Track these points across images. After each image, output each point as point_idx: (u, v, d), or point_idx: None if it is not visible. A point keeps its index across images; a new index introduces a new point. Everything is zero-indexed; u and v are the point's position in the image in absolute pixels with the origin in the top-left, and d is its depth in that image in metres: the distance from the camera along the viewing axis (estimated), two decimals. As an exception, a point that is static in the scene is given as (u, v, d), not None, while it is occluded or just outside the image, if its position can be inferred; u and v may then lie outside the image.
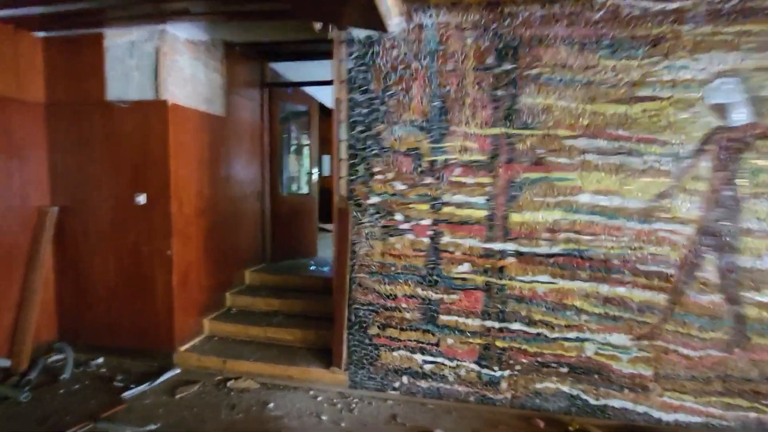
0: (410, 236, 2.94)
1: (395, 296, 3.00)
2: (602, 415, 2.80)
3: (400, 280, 2.98)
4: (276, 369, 3.26)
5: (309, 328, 3.61)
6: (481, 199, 2.83)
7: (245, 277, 4.48)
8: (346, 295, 3.06)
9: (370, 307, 3.05)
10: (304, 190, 5.84)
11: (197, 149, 3.65)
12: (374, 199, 2.99)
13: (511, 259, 2.82)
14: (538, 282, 2.80)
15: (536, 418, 2.82)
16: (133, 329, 3.51)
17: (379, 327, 3.04)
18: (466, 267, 2.88)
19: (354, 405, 2.96)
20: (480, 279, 2.87)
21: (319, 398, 3.03)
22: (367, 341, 3.07)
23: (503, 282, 2.84)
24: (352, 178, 3.05)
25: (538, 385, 2.87)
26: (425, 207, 2.91)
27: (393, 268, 2.99)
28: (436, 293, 2.94)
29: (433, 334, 2.96)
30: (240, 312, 4.04)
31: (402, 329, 3.00)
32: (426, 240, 2.92)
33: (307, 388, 3.18)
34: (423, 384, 3.02)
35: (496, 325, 2.87)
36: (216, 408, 2.89)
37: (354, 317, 3.08)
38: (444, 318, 2.94)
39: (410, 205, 2.93)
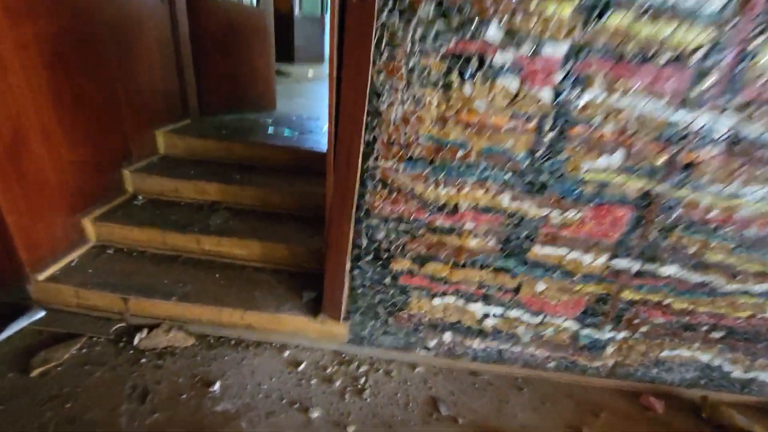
0: (510, 81, 1.29)
1: (455, 208, 1.52)
2: (742, 389, 1.85)
3: (471, 178, 1.46)
4: (222, 313, 1.88)
5: (275, 237, 2.14)
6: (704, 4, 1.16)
7: (157, 142, 2.69)
8: (354, 200, 1.52)
9: (402, 225, 1.57)
10: (250, -1, 3.57)
11: None
12: (435, -15, 1.21)
13: (715, 150, 1.35)
14: (746, 199, 1.42)
15: (647, 394, 1.82)
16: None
17: (414, 259, 1.63)
18: (615, 158, 1.39)
19: (363, 378, 1.75)
20: (635, 185, 1.43)
21: (302, 366, 1.78)
22: (388, 280, 1.69)
23: (679, 193, 1.43)
24: None
25: (665, 353, 1.78)
26: (564, 8, 1.20)
27: (459, 153, 1.42)
28: (540, 206, 1.49)
29: (513, 276, 1.63)
30: (152, 204, 2.40)
31: (457, 265, 1.62)
32: (545, 93, 1.30)
33: (280, 345, 1.89)
34: (476, 344, 1.83)
35: (635, 266, 1.57)
36: (108, 398, 1.55)
37: (367, 240, 1.62)
38: (540, 251, 1.57)
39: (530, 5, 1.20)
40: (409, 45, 1.26)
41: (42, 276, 1.91)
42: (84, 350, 1.74)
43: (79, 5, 1.94)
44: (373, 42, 1.25)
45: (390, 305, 1.75)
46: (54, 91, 1.85)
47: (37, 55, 1.74)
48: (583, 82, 1.27)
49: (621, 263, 1.57)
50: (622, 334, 1.74)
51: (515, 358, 1.85)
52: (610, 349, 1.79)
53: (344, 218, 1.55)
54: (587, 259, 1.56)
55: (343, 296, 1.72)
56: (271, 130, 3.07)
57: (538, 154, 1.39)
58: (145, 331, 1.82)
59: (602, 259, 1.56)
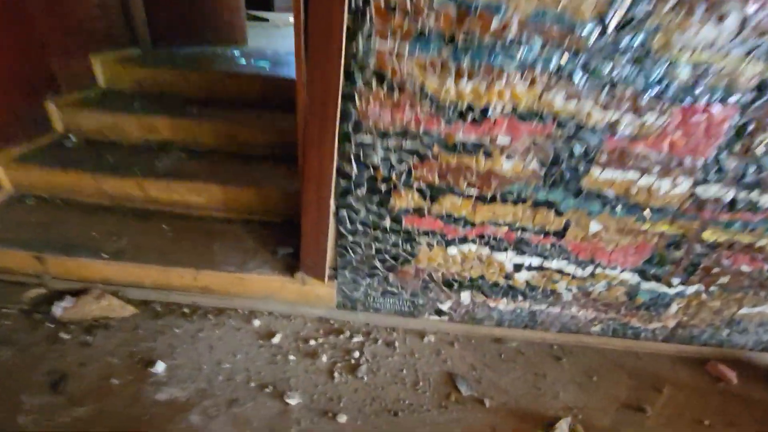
0: None
1: (483, 113, 1.06)
2: (831, 352, 1.48)
3: (508, 64, 0.99)
4: (170, 273, 1.43)
5: (242, 179, 1.68)
6: None
7: (95, 72, 2.15)
8: (337, 104, 1.04)
9: (406, 142, 1.11)
10: None
11: None
12: None
13: None
14: None
15: (714, 361, 1.45)
16: None
17: (423, 192, 1.18)
18: (727, 27, 0.93)
19: (357, 352, 1.35)
20: (750, 70, 0.97)
21: (276, 338, 1.36)
22: (387, 223, 1.25)
23: (815, 78, 0.98)
24: None
25: (744, 311, 1.39)
26: None
27: (493, 23, 0.95)
28: (607, 108, 1.03)
29: (559, 213, 1.20)
30: (87, 145, 1.90)
31: (483, 200, 1.18)
32: None
33: (248, 312, 1.46)
34: (502, 305, 1.42)
35: (727, 195, 1.14)
36: (15, 389, 1.12)
37: (358, 166, 1.16)
38: (600, 175, 1.13)
39: None
40: None
41: (-70, 231, 1.44)
42: (-16, 324, 1.31)
43: None
44: None
45: (391, 257, 1.32)
46: None
47: None
48: None
49: (709, 191, 1.14)
50: (693, 288, 1.34)
51: (551, 322, 1.45)
52: (674, 307, 1.39)
53: (325, 134, 1.08)
54: (664, 186, 1.13)
55: (328, 247, 1.29)
56: (242, 61, 2.53)
57: (611, 21, 0.92)
58: (70, 298, 1.38)
59: (684, 185, 1.13)
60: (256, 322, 1.41)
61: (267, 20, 5.44)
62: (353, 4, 0.93)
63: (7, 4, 1.61)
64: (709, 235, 1.22)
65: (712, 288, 1.33)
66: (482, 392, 1.27)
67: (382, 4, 0.93)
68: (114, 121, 1.91)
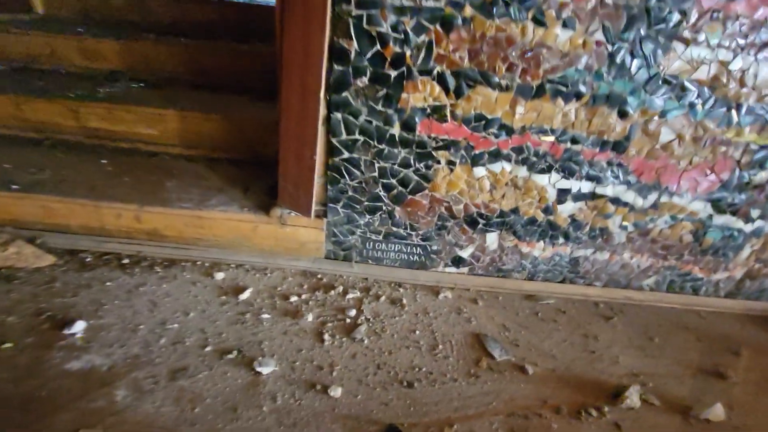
0: None
1: (535, -49, 0.76)
2: None
3: None
4: (103, 212, 1.07)
5: (206, 106, 1.33)
6: None
7: (29, -8, 1.78)
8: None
9: (424, 3, 0.81)
10: None
11: None
12: None
13: None
14: None
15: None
16: None
17: (445, 83, 0.88)
18: None
19: (353, 310, 1.02)
20: None
21: (245, 294, 1.02)
22: (395, 131, 0.94)
23: None
24: None
25: (831, 253, 1.14)
26: None
27: None
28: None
29: (625, 113, 0.91)
30: (13, 72, 1.53)
31: (525, 92, 0.89)
32: None
33: (208, 265, 1.12)
34: (538, 251, 1.12)
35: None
36: None
37: (356, 38, 0.84)
38: (684, 53, 0.85)
39: None
40: None
41: None
42: None
43: None
44: None
45: (399, 182, 1.00)
46: None
47: None
48: None
49: (818, 79, 0.87)
50: (775, 224, 1.07)
51: (596, 273, 1.16)
52: (747, 251, 1.12)
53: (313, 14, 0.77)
54: (763, 70, 0.86)
55: (315, 168, 0.96)
56: None
57: None
58: (-37, 244, 1.01)
59: (786, 71, 0.86)
60: (219, 275, 1.07)
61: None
62: None
63: None
64: (806, 148, 0.95)
65: (798, 223, 1.07)
66: (521, 357, 0.96)
67: None
68: (48, 45, 1.54)
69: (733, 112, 0.91)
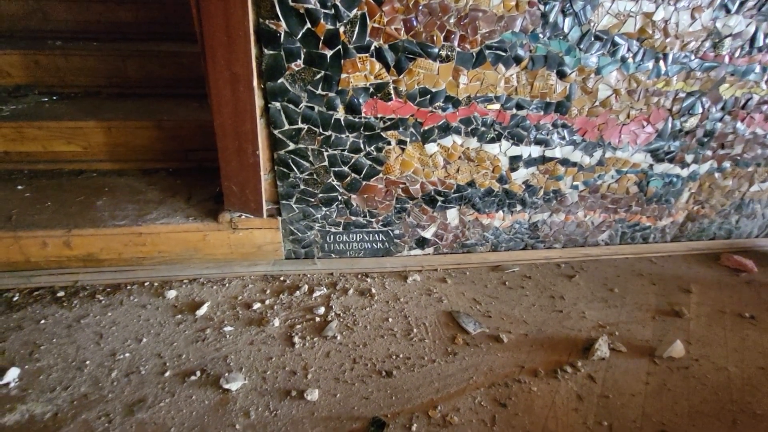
0: None
1: None
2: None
3: None
4: (29, 243, 0.95)
5: (132, 116, 1.22)
6: None
7: None
8: None
9: (352, -25, 0.76)
10: None
11: None
12: None
13: None
14: None
15: (727, 254, 1.28)
16: None
17: (383, 58, 0.84)
18: None
19: (321, 308, 0.98)
20: None
21: (202, 309, 0.95)
22: (339, 115, 0.90)
23: None
24: None
25: (754, 188, 1.23)
26: None
27: None
28: None
29: (563, 74, 0.92)
30: None
31: (465, 61, 0.87)
32: None
33: (157, 285, 1.03)
34: (497, 221, 1.13)
35: (748, 26, 0.94)
36: None
37: (286, 21, 0.78)
38: (612, 7, 0.86)
39: None
40: None
41: None
42: None
43: None
44: None
45: (351, 169, 0.96)
46: None
47: None
48: None
49: (730, 23, 0.92)
50: (706, 166, 1.14)
51: (554, 235, 1.19)
52: (686, 195, 1.19)
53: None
54: (683, 19, 0.89)
55: (261, 163, 0.90)
56: None
57: None
58: None
59: (705, 16, 0.90)
60: (171, 293, 0.98)
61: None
62: None
63: None
64: (725, 90, 1.02)
65: (724, 163, 1.15)
66: (495, 327, 0.96)
67: None
68: (-69, 64, 1.34)
69: (661, 62, 0.95)
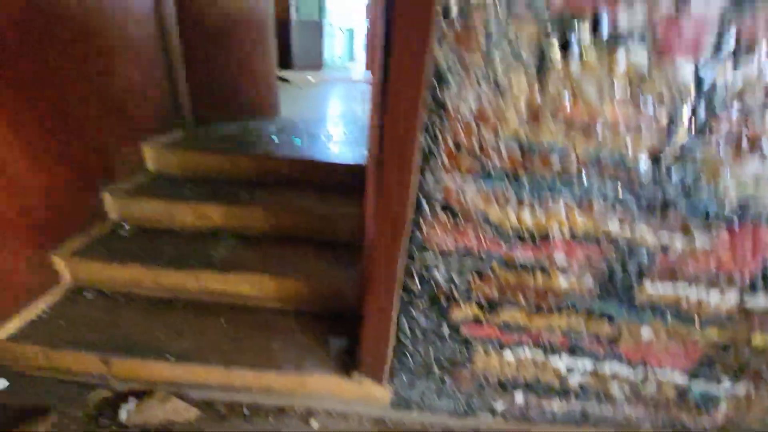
0: (637, 53, 0.92)
1: (542, 238, 1.14)
2: None
3: (567, 197, 1.08)
4: (233, 374, 1.47)
5: (291, 269, 1.75)
6: None
7: (145, 157, 2.29)
8: (406, 231, 1.13)
9: (468, 261, 1.18)
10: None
11: None
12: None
13: None
14: None
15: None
16: None
17: (482, 305, 1.25)
18: (772, 166, 1.02)
19: (415, 455, 1.37)
20: (793, 199, 1.05)
21: (336, 442, 1.39)
22: (446, 330, 1.31)
23: None
24: None
25: (797, 407, 1.41)
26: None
27: (554, 162, 1.04)
28: (659, 231, 1.11)
29: (612, 322, 1.25)
30: (141, 234, 2.00)
31: (539, 310, 1.24)
32: (685, 70, 0.93)
33: (305, 411, 1.49)
34: (555, 405, 1.44)
35: (776, 304, 1.20)
36: None
37: (421, 280, 1.23)
38: (652, 289, 1.19)
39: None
40: (492, 5, 0.88)
41: (2, 334, 1.51)
42: (54, 433, 1.35)
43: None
44: (438, 6, 0.88)
45: (448, 361, 1.36)
46: (14, 107, 1.46)
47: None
48: (744, 51, 0.89)
49: (757, 301, 1.19)
50: (743, 387, 1.36)
51: (604, 419, 1.47)
52: (724, 405, 1.41)
53: (391, 256, 1.17)
54: (713, 298, 1.19)
55: (388, 353, 1.34)
56: (275, 139, 2.68)
57: (664, 160, 1.02)
58: (134, 401, 1.43)
59: (732, 296, 1.19)
60: (314, 424, 1.44)
61: (288, 81, 5.74)
62: (424, 145, 1.04)
63: (76, 103, 1.77)
64: (758, 341, 1.26)
65: (761, 389, 1.36)
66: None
67: (452, 147, 1.04)
68: (167, 209, 2.02)
69: (697, 319, 1.23)
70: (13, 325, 1.55)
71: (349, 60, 10.86)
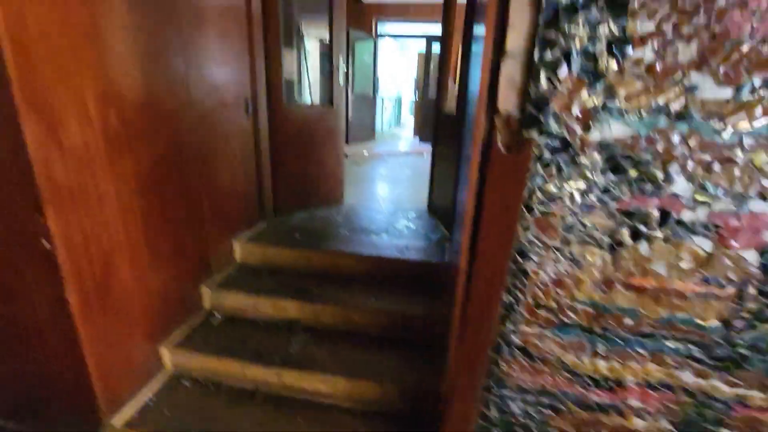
0: (702, 242, 1.04)
1: (617, 383, 1.22)
2: None
3: (641, 350, 1.17)
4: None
5: (363, 371, 1.89)
6: None
7: (235, 250, 2.62)
8: (483, 374, 1.26)
9: (544, 398, 1.28)
10: (320, 98, 3.68)
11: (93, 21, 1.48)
12: (610, 130, 1.02)
13: None
14: None
15: None
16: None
17: (557, 440, 1.31)
18: None
19: None
20: None
21: None
22: (520, 460, 1.37)
23: None
24: (544, 67, 1.02)
25: None
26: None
27: (628, 322, 1.15)
28: (734, 385, 1.16)
29: (694, 467, 1.26)
30: (229, 323, 2.26)
31: (616, 449, 1.28)
32: (750, 255, 1.03)
33: None
34: None
35: None
36: None
37: (498, 412, 1.32)
38: (733, 439, 1.21)
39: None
40: (569, 200, 1.06)
41: (118, 420, 1.74)
42: None
43: (175, 132, 1.96)
44: (522, 199, 1.06)
45: (521, 487, 1.40)
46: (144, 216, 1.80)
47: (133, 185, 1.71)
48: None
49: None
50: None
51: None
52: None
53: (469, 394, 1.28)
54: None
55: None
56: (346, 233, 2.93)
57: (736, 325, 1.09)
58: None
59: (823, 452, 1.17)
60: None
61: (346, 155, 6.23)
62: (505, 302, 1.18)
63: (189, 209, 2.11)
64: None
65: None
66: None
67: (531, 302, 1.18)
68: (252, 303, 2.27)
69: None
70: (128, 411, 1.78)
71: (396, 125, 11.53)
